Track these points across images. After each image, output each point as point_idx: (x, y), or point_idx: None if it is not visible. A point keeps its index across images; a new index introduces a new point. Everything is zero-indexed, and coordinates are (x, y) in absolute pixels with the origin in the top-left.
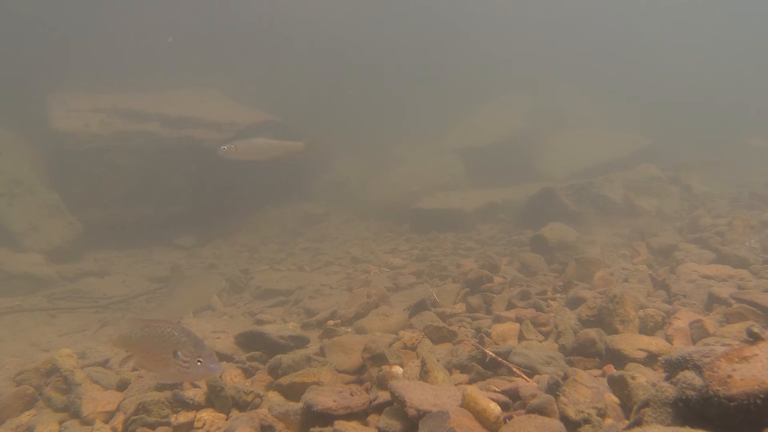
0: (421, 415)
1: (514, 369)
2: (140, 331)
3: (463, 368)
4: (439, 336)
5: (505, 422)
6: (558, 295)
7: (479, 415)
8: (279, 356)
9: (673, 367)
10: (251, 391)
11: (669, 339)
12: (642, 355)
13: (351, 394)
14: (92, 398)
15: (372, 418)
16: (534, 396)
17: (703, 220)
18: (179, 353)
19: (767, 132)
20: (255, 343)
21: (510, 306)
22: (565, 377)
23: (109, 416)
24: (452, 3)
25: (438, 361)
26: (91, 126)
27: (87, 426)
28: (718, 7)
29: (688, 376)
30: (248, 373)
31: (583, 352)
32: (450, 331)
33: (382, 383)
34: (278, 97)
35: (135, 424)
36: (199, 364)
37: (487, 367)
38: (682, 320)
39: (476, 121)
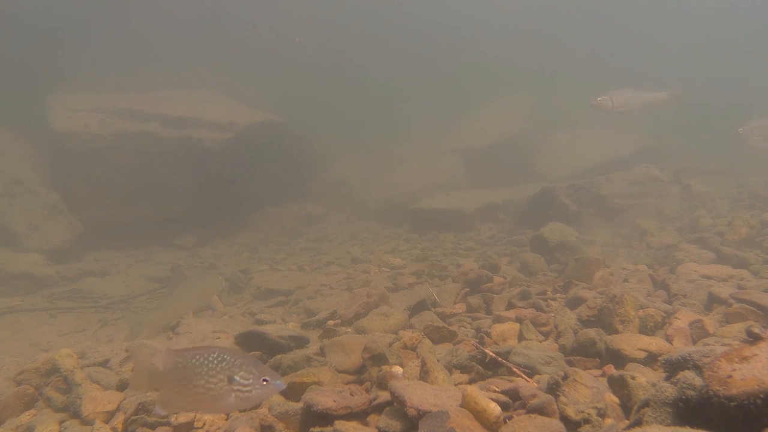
0: (421, 415)
1: (514, 369)
2: (174, 363)
3: (463, 368)
4: (439, 336)
5: (505, 422)
6: (558, 295)
7: (479, 415)
8: (279, 356)
9: (673, 367)
10: None
11: (669, 339)
12: (642, 355)
13: (351, 394)
14: (92, 398)
15: (372, 418)
16: (534, 396)
17: (703, 220)
18: (237, 378)
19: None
20: (255, 343)
21: (510, 306)
22: (565, 377)
23: (109, 416)
24: (453, 4)
25: (438, 361)
26: (91, 126)
27: (87, 426)
28: (719, 7)
29: (688, 376)
30: None
31: (583, 352)
32: (450, 331)
33: (382, 383)
34: (279, 98)
35: (135, 424)
36: (264, 383)
37: (487, 367)
38: (682, 320)
39: (477, 122)
